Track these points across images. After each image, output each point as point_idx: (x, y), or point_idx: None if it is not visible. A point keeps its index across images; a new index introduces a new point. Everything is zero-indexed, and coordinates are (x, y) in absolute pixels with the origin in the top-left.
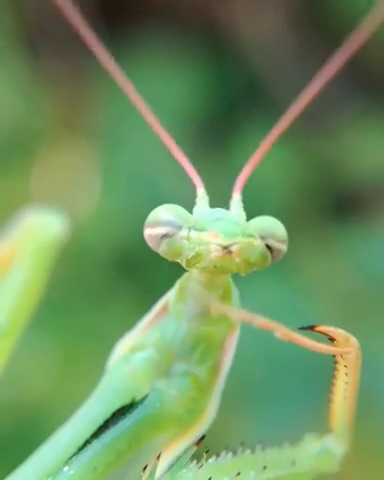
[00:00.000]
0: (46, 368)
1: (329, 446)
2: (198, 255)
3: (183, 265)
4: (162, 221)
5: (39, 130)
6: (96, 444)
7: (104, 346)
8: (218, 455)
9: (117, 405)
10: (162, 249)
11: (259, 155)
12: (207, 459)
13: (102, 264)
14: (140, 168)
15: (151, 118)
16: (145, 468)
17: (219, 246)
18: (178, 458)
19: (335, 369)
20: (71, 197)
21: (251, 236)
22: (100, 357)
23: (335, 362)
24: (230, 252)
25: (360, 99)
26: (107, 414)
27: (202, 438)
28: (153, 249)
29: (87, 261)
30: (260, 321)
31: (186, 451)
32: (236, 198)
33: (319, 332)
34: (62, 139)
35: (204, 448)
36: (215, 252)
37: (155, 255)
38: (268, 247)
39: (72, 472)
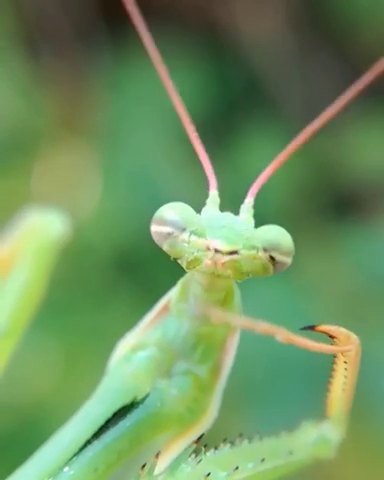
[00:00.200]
0: (47, 368)
1: (326, 433)
2: (196, 260)
3: (183, 267)
4: (167, 220)
5: (39, 130)
6: (97, 444)
7: (105, 346)
8: (216, 447)
9: (118, 405)
10: (165, 247)
11: (278, 162)
12: (205, 452)
13: (102, 264)
14: (140, 168)
15: (181, 109)
16: (144, 466)
17: (215, 256)
18: (177, 455)
19: (334, 363)
20: (71, 197)
21: (253, 248)
22: (101, 357)
23: (334, 357)
24: (224, 263)
25: (360, 99)
26: (108, 414)
27: (201, 436)
28: (158, 245)
29: (87, 261)
30: (261, 326)
31: (185, 449)
32: (248, 203)
33: (320, 332)
34: (62, 139)
35: (203, 444)
36: (210, 261)
37: (155, 255)
38: (272, 258)
39: (72, 472)
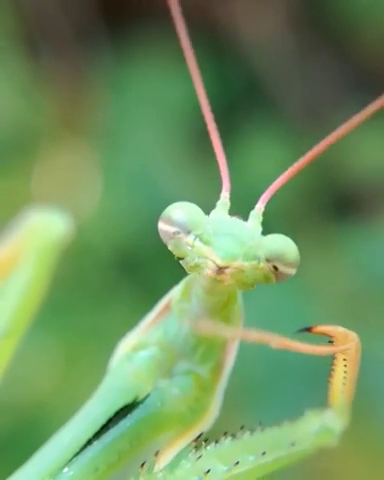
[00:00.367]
0: (47, 368)
1: (328, 422)
2: (197, 266)
3: (185, 269)
4: (173, 221)
5: (39, 130)
6: (97, 444)
7: (105, 346)
8: (217, 441)
9: (120, 404)
10: (170, 246)
11: (291, 172)
12: (206, 447)
13: (103, 264)
14: (140, 168)
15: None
16: (143, 465)
17: (215, 265)
18: (177, 453)
19: (334, 359)
20: (72, 197)
21: (254, 258)
22: (101, 357)
23: (333, 357)
24: (224, 273)
25: (360, 99)
26: (110, 413)
27: (200, 435)
28: (163, 242)
29: (88, 261)
30: (254, 335)
31: (185, 446)
32: (258, 209)
33: (317, 333)
34: (62, 139)
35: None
36: (210, 270)
37: (156, 255)
38: (275, 268)
39: (72, 473)
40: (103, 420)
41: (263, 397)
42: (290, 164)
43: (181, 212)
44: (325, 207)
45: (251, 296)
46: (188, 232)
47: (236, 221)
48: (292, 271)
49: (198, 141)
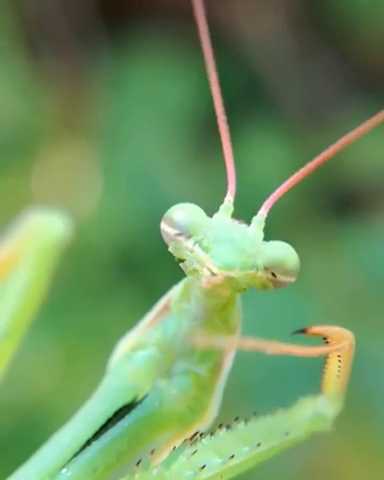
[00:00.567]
0: (47, 367)
1: (322, 408)
2: (195, 271)
3: (185, 271)
4: (175, 222)
5: (39, 130)
6: (96, 445)
7: (105, 345)
8: (212, 433)
9: (119, 404)
10: (170, 248)
11: (297, 178)
12: (201, 440)
13: (103, 263)
14: (140, 168)
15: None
16: (139, 463)
17: (211, 273)
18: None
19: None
20: (72, 197)
21: (253, 267)
22: (101, 356)
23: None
24: (219, 282)
25: (360, 99)
26: (109, 413)
27: (196, 434)
28: (164, 242)
29: (88, 261)
30: (249, 344)
31: (181, 444)
32: (260, 216)
33: (312, 334)
34: (62, 139)
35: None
36: (206, 277)
37: (156, 255)
38: (274, 275)
39: (70, 474)
40: (102, 420)
41: (262, 397)
42: (290, 164)
43: (183, 214)
44: (325, 206)
45: (251, 296)
46: (189, 236)
47: (237, 227)
48: (291, 279)
49: (198, 141)
